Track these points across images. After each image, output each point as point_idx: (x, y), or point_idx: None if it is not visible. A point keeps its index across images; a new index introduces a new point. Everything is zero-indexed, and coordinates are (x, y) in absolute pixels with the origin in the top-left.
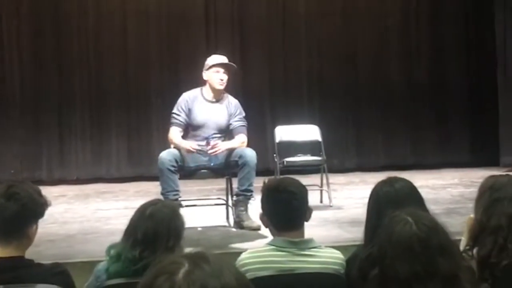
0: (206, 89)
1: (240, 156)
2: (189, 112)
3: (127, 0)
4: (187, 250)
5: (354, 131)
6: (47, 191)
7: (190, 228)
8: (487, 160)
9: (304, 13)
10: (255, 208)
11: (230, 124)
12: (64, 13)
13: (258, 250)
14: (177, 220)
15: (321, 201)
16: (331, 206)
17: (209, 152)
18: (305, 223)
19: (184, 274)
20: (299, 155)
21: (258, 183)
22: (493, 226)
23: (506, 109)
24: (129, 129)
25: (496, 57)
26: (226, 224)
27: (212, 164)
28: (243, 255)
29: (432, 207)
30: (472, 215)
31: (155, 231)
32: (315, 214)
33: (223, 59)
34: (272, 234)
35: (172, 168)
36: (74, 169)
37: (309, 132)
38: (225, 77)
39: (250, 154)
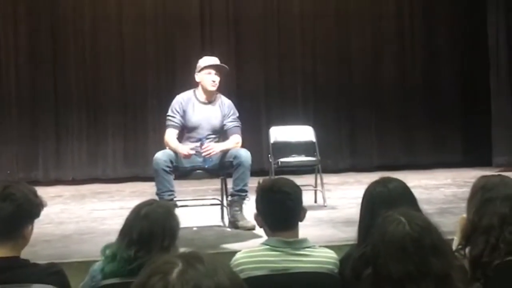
0: (199, 91)
1: (235, 157)
2: (183, 114)
3: (124, 1)
4: (182, 250)
5: (348, 131)
6: (43, 192)
7: (185, 228)
8: (479, 160)
9: (299, 14)
10: (249, 208)
11: (224, 125)
12: (61, 13)
13: (252, 249)
14: (172, 220)
15: (315, 201)
16: (325, 206)
17: (203, 154)
18: (300, 223)
19: (178, 274)
20: (293, 155)
21: (253, 183)
22: (485, 225)
23: (498, 110)
24: (125, 130)
25: (489, 58)
26: (221, 224)
27: (206, 166)
28: (237, 255)
29: (425, 207)
30: (464, 215)
31: (150, 231)
32: (309, 214)
33: (214, 60)
34: (267, 234)
35: (167, 169)
36: (70, 170)
37: (304, 133)
38: (217, 79)
39: (245, 155)
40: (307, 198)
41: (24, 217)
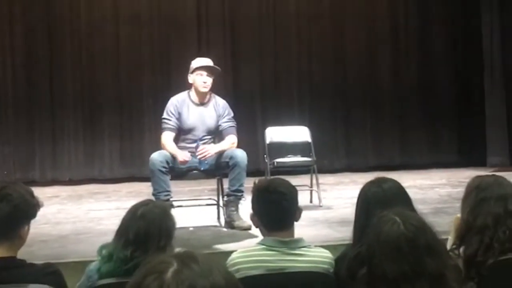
0: (192, 93)
1: (231, 157)
2: (179, 116)
3: (119, 2)
4: (178, 250)
5: (343, 132)
6: (40, 192)
7: (181, 228)
8: (474, 160)
9: (295, 14)
10: (245, 208)
11: (219, 125)
12: (57, 13)
13: (248, 249)
14: (168, 220)
15: (311, 201)
16: (320, 206)
17: (199, 157)
18: (295, 223)
19: (173, 274)
20: (289, 156)
21: (249, 183)
22: (479, 225)
23: (493, 110)
24: (122, 130)
25: (483, 59)
26: (217, 224)
27: (202, 168)
28: (234, 255)
29: (420, 207)
30: (459, 215)
31: (147, 231)
32: (305, 214)
33: (207, 61)
34: (263, 234)
35: (163, 169)
36: (67, 170)
37: (299, 133)
38: (208, 80)
39: (241, 155)
40: (302, 198)
41: (20, 217)
